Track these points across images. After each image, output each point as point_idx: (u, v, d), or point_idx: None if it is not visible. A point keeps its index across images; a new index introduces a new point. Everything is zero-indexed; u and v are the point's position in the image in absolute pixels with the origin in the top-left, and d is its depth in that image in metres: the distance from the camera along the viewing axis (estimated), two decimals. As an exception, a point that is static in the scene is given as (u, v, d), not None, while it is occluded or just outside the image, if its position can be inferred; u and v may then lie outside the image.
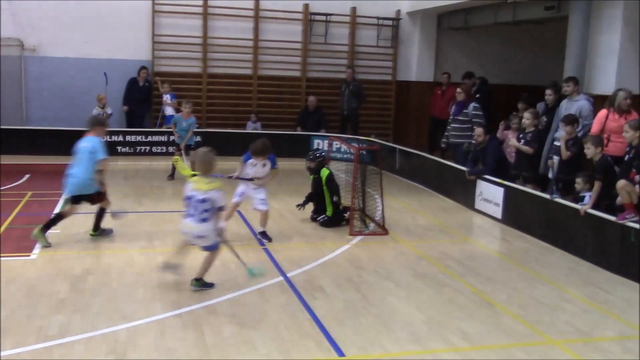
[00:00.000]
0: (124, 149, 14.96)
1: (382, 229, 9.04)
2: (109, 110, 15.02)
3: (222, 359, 4.98)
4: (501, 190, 9.83)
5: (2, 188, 10.91)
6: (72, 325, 5.45)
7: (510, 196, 9.69)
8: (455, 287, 6.89)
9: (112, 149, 14.71)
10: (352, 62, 16.99)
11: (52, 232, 8.20)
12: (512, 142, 10.51)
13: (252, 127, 16.21)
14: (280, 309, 6.06)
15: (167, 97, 15.40)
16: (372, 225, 9.18)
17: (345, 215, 9.19)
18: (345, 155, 14.49)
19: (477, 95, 13.47)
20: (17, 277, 6.58)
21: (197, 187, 6.29)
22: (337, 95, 16.28)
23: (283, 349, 5.19)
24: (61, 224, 8.10)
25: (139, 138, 15.10)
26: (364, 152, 9.60)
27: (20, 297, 6.05)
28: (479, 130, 10.65)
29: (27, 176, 12.03)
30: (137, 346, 5.12)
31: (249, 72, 16.78)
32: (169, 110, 15.34)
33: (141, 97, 15.68)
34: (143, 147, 15.07)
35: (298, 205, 9.58)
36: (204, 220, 6.23)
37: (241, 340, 5.31)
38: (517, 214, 9.56)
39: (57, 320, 5.55)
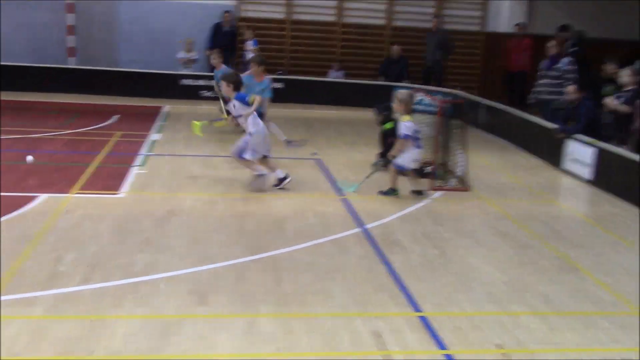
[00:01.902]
0: (207, 94, 15.18)
1: (464, 185, 8.84)
2: (194, 55, 15.24)
3: (299, 306, 5.04)
4: (592, 150, 9.37)
5: (92, 127, 11.37)
6: (156, 264, 5.64)
7: (602, 157, 9.23)
8: (538, 249, 6.68)
9: (195, 93, 15.06)
10: (439, 11, 16.44)
11: (139, 171, 8.56)
12: (609, 101, 9.94)
13: (334, 76, 16.08)
14: (358, 260, 6.05)
15: (249, 43, 15.43)
16: (453, 181, 8.99)
17: (427, 169, 9.03)
18: (428, 108, 14.15)
19: (573, 50, 12.78)
20: (107, 215, 6.86)
21: (412, 122, 8.02)
22: (422, 45, 15.84)
23: (359, 300, 5.20)
24: (148, 165, 8.97)
25: (222, 83, 15.24)
26: (448, 105, 9.34)
27: (108, 234, 6.31)
28: (571, 88, 10.13)
29: (116, 117, 12.44)
30: (218, 287, 5.25)
31: (333, 19, 16.54)
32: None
33: (225, 42, 15.78)
34: (226, 92, 15.22)
35: (375, 164, 9.46)
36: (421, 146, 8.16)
37: (318, 289, 5.35)
38: (608, 177, 9.11)
39: (143, 258, 5.76)
